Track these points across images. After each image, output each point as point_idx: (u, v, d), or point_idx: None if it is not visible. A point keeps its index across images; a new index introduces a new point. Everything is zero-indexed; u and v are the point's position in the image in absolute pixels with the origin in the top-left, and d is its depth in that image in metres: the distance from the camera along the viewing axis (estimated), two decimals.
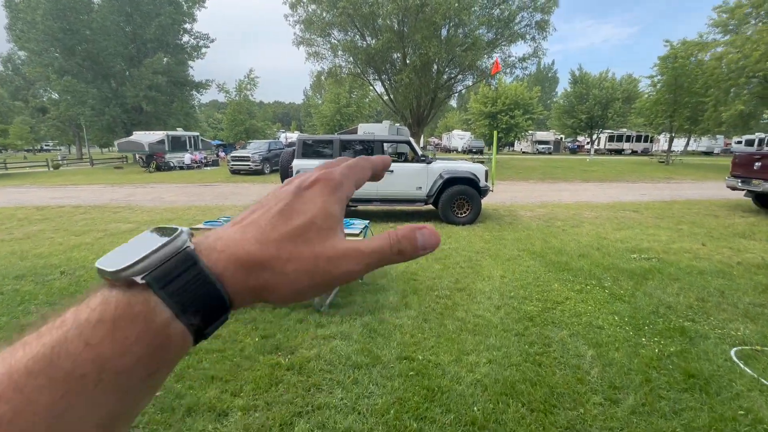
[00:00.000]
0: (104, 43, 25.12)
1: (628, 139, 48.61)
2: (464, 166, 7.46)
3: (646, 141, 48.55)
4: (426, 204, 7.47)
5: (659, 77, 23.39)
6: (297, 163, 7.38)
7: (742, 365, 2.48)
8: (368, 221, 4.14)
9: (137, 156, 23.13)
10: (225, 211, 8.85)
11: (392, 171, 7.31)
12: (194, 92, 33.95)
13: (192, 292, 0.24)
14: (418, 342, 2.76)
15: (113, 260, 0.24)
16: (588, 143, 53.63)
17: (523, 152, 50.99)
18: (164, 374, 0.24)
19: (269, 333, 2.86)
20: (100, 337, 0.21)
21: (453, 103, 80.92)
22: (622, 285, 3.99)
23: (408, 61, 19.96)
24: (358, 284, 3.96)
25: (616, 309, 3.38)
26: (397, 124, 27.30)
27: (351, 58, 20.83)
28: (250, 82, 34.14)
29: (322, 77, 22.30)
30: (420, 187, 7.39)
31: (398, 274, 4.33)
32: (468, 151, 42.28)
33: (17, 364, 0.20)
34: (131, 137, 21.51)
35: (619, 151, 47.78)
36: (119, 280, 0.24)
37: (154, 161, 20.85)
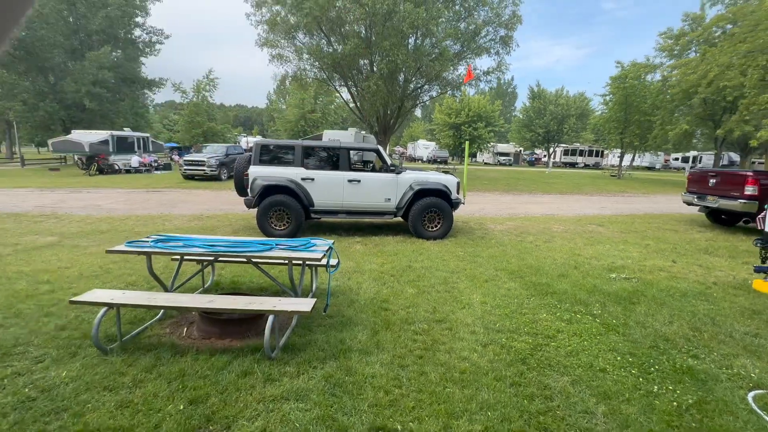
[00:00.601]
0: (41, 32, 22.71)
1: (581, 153, 51.37)
2: (435, 177, 7.07)
3: (597, 155, 51.58)
4: (395, 216, 6.98)
5: (611, 96, 24.81)
6: (254, 171, 6.64)
7: (766, 417, 2.16)
8: (332, 242, 3.55)
9: (76, 158, 20.95)
10: (171, 221, 7.87)
11: (359, 181, 6.77)
12: (146, 91, 31.66)
13: None
14: (395, 401, 2.20)
15: None
16: (545, 156, 56.24)
17: (485, 163, 52.36)
18: None
19: (200, 395, 2.18)
20: None
21: (418, 113, 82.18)
22: (611, 312, 3.68)
23: (375, 69, 19.64)
24: (320, 318, 3.34)
25: (612, 344, 3.02)
26: (364, 132, 26.86)
27: (316, 63, 20.18)
28: (210, 82, 32.41)
29: (287, 81, 21.41)
30: (389, 199, 6.89)
31: (367, 301, 3.76)
32: (433, 160, 42.66)
33: None
34: (69, 136, 19.40)
35: (573, 164, 50.30)
36: None
37: (95, 163, 18.90)
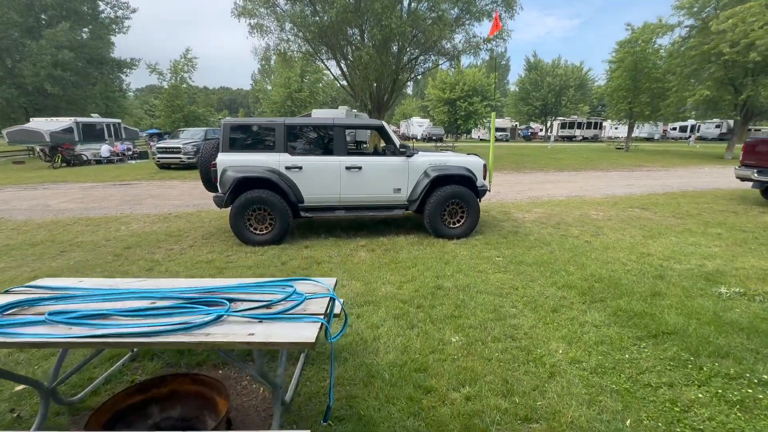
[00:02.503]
0: None
1: (579, 126, 49.77)
2: (456, 159, 5.60)
3: (595, 128, 50.06)
4: (407, 210, 5.54)
5: (614, 64, 23.11)
6: (223, 160, 5.10)
7: None
8: (333, 283, 2.11)
9: (38, 149, 18.96)
10: (128, 224, 6.33)
11: (360, 168, 5.28)
12: (120, 74, 29.16)
13: None
14: None
15: None
16: (541, 130, 54.59)
17: (481, 139, 50.69)
18: None
19: None
20: None
21: (409, 90, 79.37)
22: None
23: (367, 38, 17.71)
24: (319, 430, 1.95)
25: None
26: (355, 111, 24.96)
27: (300, 33, 18.14)
28: (188, 62, 29.98)
29: (269, 56, 19.33)
30: (399, 189, 5.43)
31: (393, 369, 2.37)
32: (428, 138, 40.93)
33: None
34: (26, 125, 17.36)
35: (570, 138, 48.77)
36: None
37: (59, 154, 16.99)
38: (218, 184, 5.17)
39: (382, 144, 6.00)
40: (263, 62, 20.07)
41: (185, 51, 29.02)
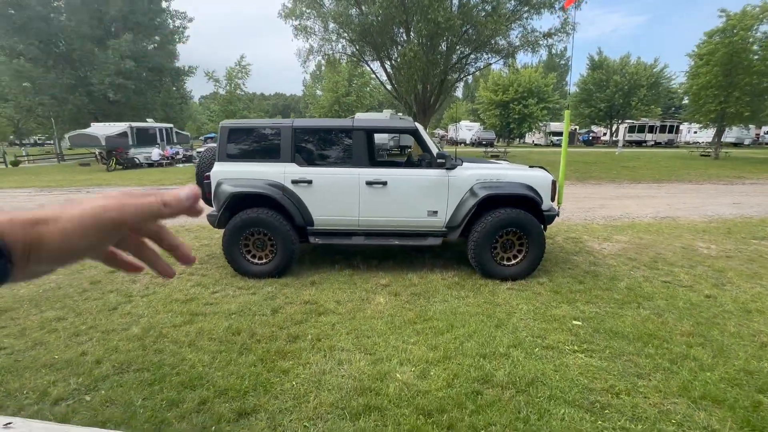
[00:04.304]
0: (63, 21, 21.86)
1: (651, 129, 44.63)
2: (513, 173, 4.19)
3: (670, 131, 44.55)
4: (445, 238, 4.23)
5: (702, 58, 19.75)
6: (218, 170, 4.16)
7: None
8: None
9: (97, 152, 20.03)
10: None
11: (385, 183, 4.07)
12: (183, 79, 30.72)
13: None
14: None
15: None
16: (605, 134, 49.83)
17: (536, 144, 47.46)
18: None
19: None
20: None
21: (459, 93, 77.07)
22: None
23: (413, 34, 16.55)
24: None
25: None
26: (400, 114, 23.85)
27: (344, 33, 17.42)
28: (242, 69, 30.90)
29: (311, 57, 18.84)
30: (435, 212, 4.14)
31: None
32: (477, 143, 38.79)
33: None
34: (86, 130, 18.31)
35: (639, 143, 43.88)
36: None
37: (113, 158, 17.70)
38: (212, 200, 4.24)
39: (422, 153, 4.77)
40: (306, 65, 19.54)
41: (239, 58, 29.88)
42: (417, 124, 4.22)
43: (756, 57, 18.32)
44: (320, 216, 4.15)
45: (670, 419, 2.01)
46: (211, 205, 4.37)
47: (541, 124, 40.72)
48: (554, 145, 43.49)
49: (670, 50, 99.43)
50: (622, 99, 42.40)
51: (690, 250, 5.13)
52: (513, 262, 4.08)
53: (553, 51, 65.90)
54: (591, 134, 49.97)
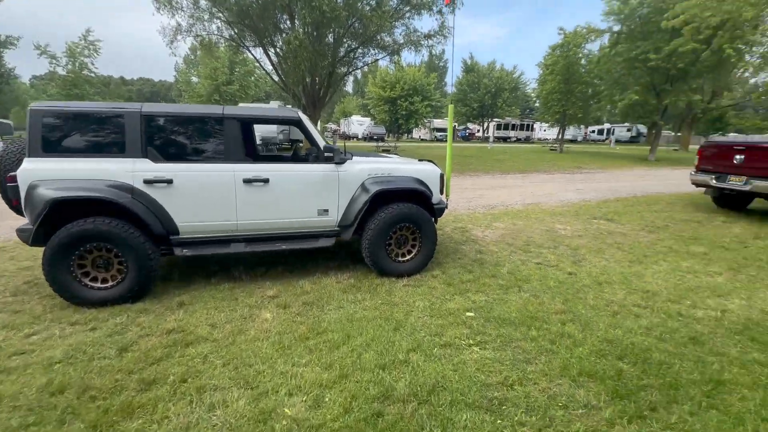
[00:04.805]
0: None
1: (513, 127, 51.80)
2: (405, 167, 4.11)
3: (527, 129, 52.48)
4: (338, 238, 3.94)
5: (548, 68, 23.58)
6: (30, 169, 3.08)
7: None
8: None
9: None
10: None
11: (266, 181, 3.57)
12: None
13: None
14: None
15: None
16: (478, 131, 56.11)
17: (422, 139, 50.66)
18: None
19: None
20: None
21: (349, 88, 77.61)
22: None
23: (297, 23, 15.74)
24: None
25: None
26: (290, 107, 22.75)
27: (219, 13, 15.62)
28: (88, 46, 25.30)
29: (179, 37, 16.39)
30: (326, 210, 3.81)
31: None
32: (369, 138, 39.59)
33: None
34: None
35: (505, 139, 50.52)
36: None
37: None
38: (24, 209, 3.14)
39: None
40: (174, 46, 16.91)
41: (85, 32, 24.38)
42: (301, 115, 3.81)
43: (583, 70, 22.55)
44: (186, 222, 3.43)
45: (557, 403, 2.09)
46: (23, 215, 3.26)
47: (426, 120, 43.53)
48: (438, 140, 47.01)
49: (527, 60, 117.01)
50: (490, 100, 48.21)
51: (552, 232, 5.87)
52: (408, 257, 4.02)
53: (433, 52, 71.16)
54: (468, 131, 55.66)
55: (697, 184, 7.54)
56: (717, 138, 12.32)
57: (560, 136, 26.82)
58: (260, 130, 17.87)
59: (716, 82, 18.37)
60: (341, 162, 3.78)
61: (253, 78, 39.04)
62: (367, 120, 46.54)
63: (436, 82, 44.35)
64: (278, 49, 17.61)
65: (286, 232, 3.77)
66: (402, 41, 19.46)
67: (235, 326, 2.91)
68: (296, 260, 4.39)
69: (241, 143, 3.63)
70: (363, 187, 3.84)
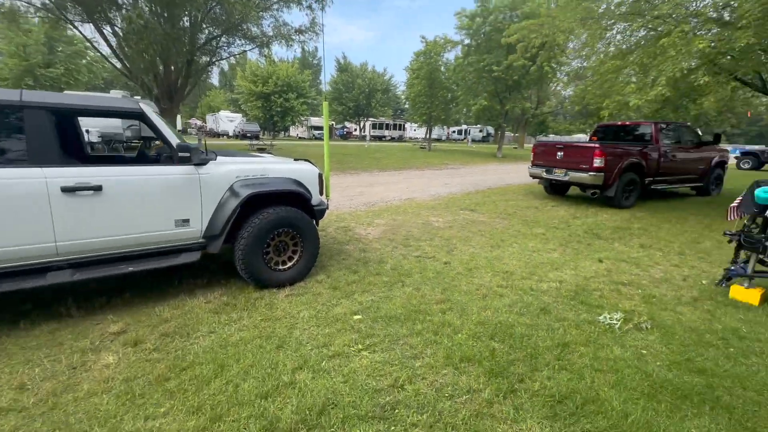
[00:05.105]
0: None
1: (388, 126, 54.82)
2: (279, 167, 3.79)
3: (400, 129, 56.27)
4: (204, 251, 3.40)
5: (414, 72, 25.70)
6: None
7: None
8: None
9: None
10: None
11: (99, 188, 2.84)
12: None
13: None
14: None
15: None
16: (356, 130, 57.68)
17: (300, 138, 49.51)
18: None
19: None
20: None
21: (215, 80, 70.56)
22: None
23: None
24: None
25: None
26: (139, 98, 19.42)
27: None
28: None
29: None
30: (186, 220, 3.24)
31: None
32: (242, 135, 36.65)
33: None
34: None
35: (380, 137, 53.12)
36: None
37: None
38: None
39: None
40: None
41: None
42: (144, 105, 3.13)
43: (444, 76, 25.20)
44: None
45: (444, 395, 2.15)
46: None
47: (302, 118, 42.51)
48: (316, 138, 46.53)
49: (395, 63, 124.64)
50: (365, 100, 49.95)
51: (427, 224, 6.30)
52: (289, 265, 3.73)
53: (306, 49, 69.98)
54: (345, 129, 56.62)
55: (533, 176, 9.12)
56: (543, 138, 15.48)
57: (428, 136, 29.45)
58: (99, 125, 14.72)
59: (540, 93, 22.71)
60: (202, 163, 3.26)
61: (85, 61, 32.13)
62: (238, 116, 43.13)
63: (311, 79, 43.75)
64: (118, 29, 14.70)
65: (133, 251, 3.07)
66: (272, 33, 18.50)
67: (58, 383, 2.21)
68: (151, 282, 3.65)
69: (55, 141, 2.79)
70: (232, 191, 3.39)
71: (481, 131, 59.84)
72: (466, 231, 5.96)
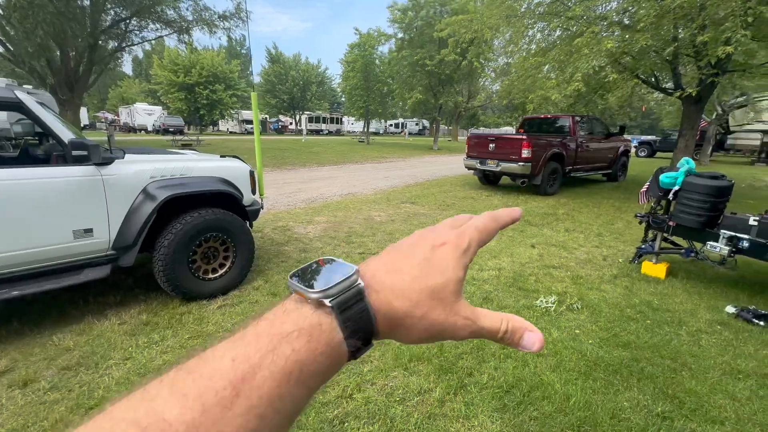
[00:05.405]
0: None
1: (325, 120, 53.73)
2: (203, 165, 3.40)
3: (338, 122, 55.48)
4: (114, 264, 2.94)
5: (349, 65, 25.40)
6: None
7: None
8: None
9: None
10: None
11: None
12: None
13: (358, 322, 0.30)
14: None
15: (308, 282, 0.31)
16: (291, 123, 55.76)
17: (231, 132, 46.64)
18: (325, 382, 0.30)
19: None
20: (300, 345, 0.27)
21: (128, 69, 63.46)
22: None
23: None
24: None
25: None
26: (30, 87, 16.82)
27: None
28: None
29: None
30: (89, 230, 2.76)
31: None
32: (164, 130, 33.44)
33: (249, 360, 0.26)
34: None
35: (317, 131, 51.94)
36: (312, 300, 0.30)
37: None
38: None
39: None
40: None
41: None
42: (20, 94, 2.58)
43: (379, 69, 25.21)
44: None
45: (395, 399, 2.07)
46: None
47: (233, 111, 39.98)
48: (248, 132, 44.15)
49: (329, 55, 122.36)
50: (300, 93, 48.42)
51: (370, 220, 6.20)
52: (220, 272, 3.38)
53: (233, 37, 65.75)
54: (280, 123, 54.39)
55: (468, 167, 9.48)
56: (476, 131, 16.32)
57: (366, 129, 29.38)
58: None
59: (471, 87, 23.74)
60: (105, 162, 2.79)
61: None
62: (158, 109, 39.32)
63: (240, 70, 41.16)
64: None
65: (22, 270, 2.54)
66: (191, 18, 16.99)
67: None
68: (46, 305, 3.07)
69: None
70: (146, 193, 2.96)
71: (417, 124, 61.35)
72: (408, 224, 5.97)
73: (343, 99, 43.46)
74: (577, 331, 2.80)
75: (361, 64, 24.22)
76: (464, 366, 2.36)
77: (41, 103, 2.76)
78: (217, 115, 37.19)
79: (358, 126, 51.30)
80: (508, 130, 35.32)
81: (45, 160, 3.09)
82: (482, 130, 42.72)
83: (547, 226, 5.99)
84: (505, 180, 10.38)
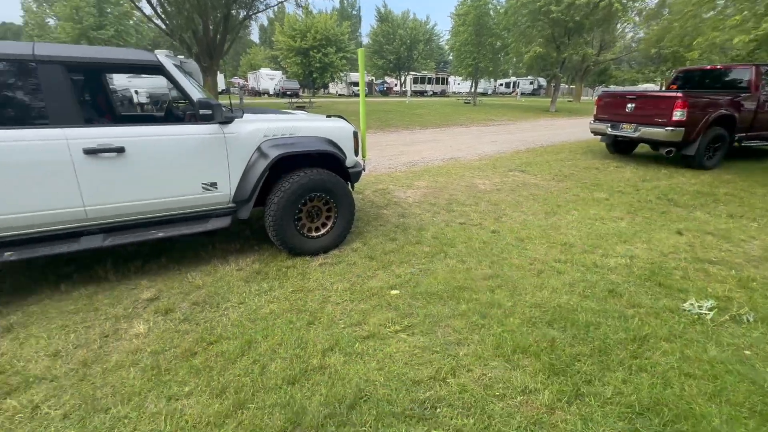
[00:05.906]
0: None
1: (429, 81, 51.95)
2: (309, 125, 3.44)
3: (443, 83, 53.14)
4: (235, 216, 3.22)
5: (460, 18, 23.46)
6: None
7: None
8: None
9: None
10: None
11: (122, 150, 2.66)
12: None
13: None
14: None
15: None
16: (396, 85, 55.37)
17: (339, 95, 48.55)
18: None
19: None
20: None
21: (255, 37, 69.96)
22: None
23: None
24: None
25: None
26: (182, 57, 19.63)
27: None
28: None
29: None
30: (214, 183, 3.04)
31: None
32: (282, 93, 36.45)
33: None
34: None
35: (422, 93, 50.60)
36: None
37: None
38: None
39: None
40: None
41: None
42: (162, 58, 2.85)
43: (493, 22, 22.84)
44: (4, 214, 2.43)
45: (494, 393, 1.85)
46: None
47: (342, 74, 41.28)
48: (355, 95, 45.32)
49: (438, 9, 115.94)
50: (406, 52, 47.31)
51: (473, 187, 5.78)
52: (322, 231, 3.49)
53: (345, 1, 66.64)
54: (386, 84, 54.50)
55: (595, 132, 8.08)
56: (607, 89, 13.70)
57: (473, 90, 27.48)
58: (146, 86, 15.04)
59: (605, 36, 19.98)
60: (227, 121, 2.98)
61: (132, 22, 32.87)
62: (278, 74, 42.77)
63: (350, 32, 41.83)
64: None
65: (162, 216, 2.95)
66: None
67: (90, 351, 2.16)
68: (185, 246, 3.58)
69: (77, 99, 2.62)
70: (260, 152, 3.12)
71: (531, 83, 55.28)
72: (516, 195, 5.39)
73: (450, 57, 41.17)
74: (747, 352, 2.13)
75: (474, 17, 22.23)
76: (582, 370, 1.99)
77: (177, 66, 3.03)
78: (328, 78, 38.85)
79: (465, 87, 48.35)
80: (648, 88, 29.14)
81: (181, 120, 3.46)
82: (613, 89, 36.23)
83: (701, 209, 4.79)
84: (642, 148, 8.65)
